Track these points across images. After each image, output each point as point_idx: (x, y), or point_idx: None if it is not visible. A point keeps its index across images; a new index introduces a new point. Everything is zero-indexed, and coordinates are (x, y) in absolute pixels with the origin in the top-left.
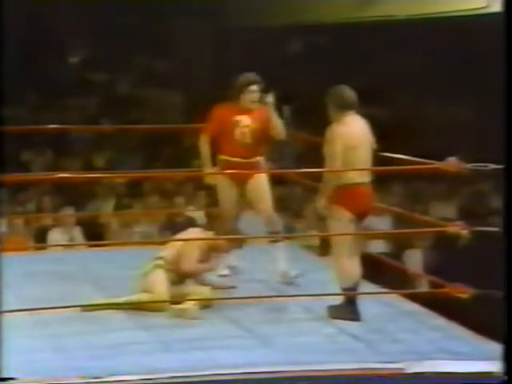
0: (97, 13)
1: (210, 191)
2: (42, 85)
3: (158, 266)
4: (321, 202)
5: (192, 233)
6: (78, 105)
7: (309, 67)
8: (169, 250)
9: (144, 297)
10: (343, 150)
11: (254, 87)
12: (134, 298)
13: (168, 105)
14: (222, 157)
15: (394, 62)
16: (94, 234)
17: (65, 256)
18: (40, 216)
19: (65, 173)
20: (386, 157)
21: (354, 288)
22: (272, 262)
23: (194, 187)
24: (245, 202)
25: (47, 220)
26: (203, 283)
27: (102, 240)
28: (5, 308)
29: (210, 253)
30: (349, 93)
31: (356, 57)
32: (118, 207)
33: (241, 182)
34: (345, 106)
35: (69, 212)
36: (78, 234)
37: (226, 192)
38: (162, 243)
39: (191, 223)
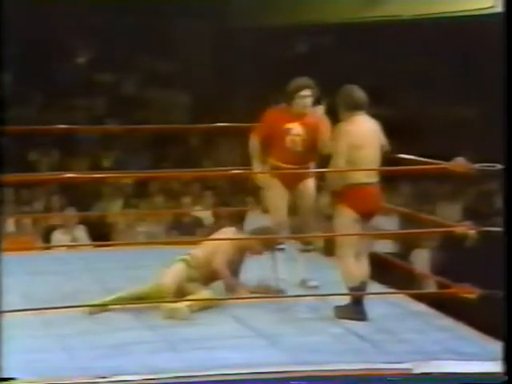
0: (103, 13)
1: (217, 191)
2: (49, 85)
3: (182, 260)
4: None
5: (226, 232)
6: (84, 105)
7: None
8: (200, 249)
9: (146, 288)
10: (348, 149)
11: (306, 92)
12: (136, 289)
13: (173, 105)
14: (272, 161)
15: (400, 62)
16: (101, 233)
17: (68, 256)
18: (43, 216)
19: (71, 173)
20: (394, 157)
21: (360, 288)
22: (293, 269)
23: (200, 187)
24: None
25: (54, 220)
26: (235, 286)
27: (109, 240)
28: (10, 308)
29: (244, 254)
30: (359, 93)
31: (361, 57)
32: (125, 207)
33: (291, 187)
34: (354, 106)
35: (71, 212)
36: (81, 233)
37: (276, 196)
38: (168, 243)
39: (198, 223)
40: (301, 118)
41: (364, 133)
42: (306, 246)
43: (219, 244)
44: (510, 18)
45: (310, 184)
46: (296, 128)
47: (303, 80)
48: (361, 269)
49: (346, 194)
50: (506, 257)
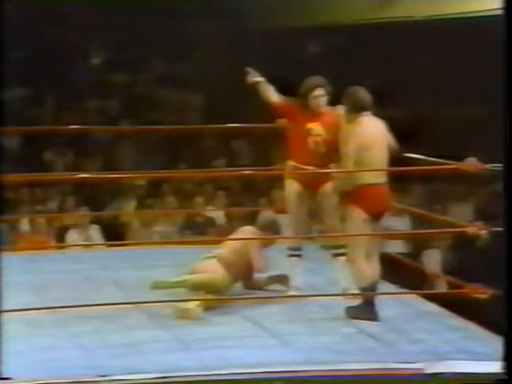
0: (117, 14)
1: (230, 191)
2: (64, 86)
3: (213, 258)
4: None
5: (244, 231)
6: (99, 106)
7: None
8: (226, 248)
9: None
10: (356, 150)
11: (320, 91)
12: (197, 276)
13: (187, 106)
14: (292, 163)
15: (411, 63)
16: (115, 233)
17: (83, 255)
18: (57, 215)
19: (85, 173)
20: (405, 157)
21: (371, 288)
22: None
23: (213, 187)
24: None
25: (68, 219)
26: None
27: (123, 240)
28: (25, 306)
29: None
30: (364, 94)
31: (373, 58)
32: (140, 207)
33: (312, 190)
34: (360, 107)
35: (84, 212)
36: (94, 233)
37: (296, 199)
38: (182, 243)
39: (210, 223)
40: (319, 117)
41: (372, 133)
42: (338, 250)
43: (246, 243)
44: (511, 18)
45: (331, 186)
46: (317, 128)
47: (316, 79)
48: (371, 269)
49: (355, 195)
50: (506, 257)
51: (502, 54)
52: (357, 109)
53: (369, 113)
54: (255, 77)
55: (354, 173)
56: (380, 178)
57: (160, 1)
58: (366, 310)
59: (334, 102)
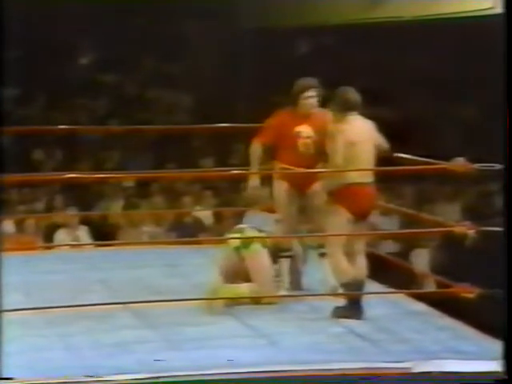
0: (107, 14)
1: (217, 191)
2: (53, 85)
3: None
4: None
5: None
6: (88, 105)
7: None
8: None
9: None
10: (344, 146)
11: (311, 92)
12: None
13: (177, 106)
14: (282, 165)
15: (401, 63)
16: (103, 233)
17: (71, 256)
18: (45, 216)
19: (74, 173)
20: (396, 157)
21: (356, 286)
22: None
23: (200, 187)
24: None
25: (57, 219)
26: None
27: (111, 240)
28: (13, 307)
29: None
30: (351, 94)
31: (363, 58)
32: (127, 207)
33: (302, 190)
34: (347, 108)
35: (72, 212)
36: (82, 233)
37: (286, 200)
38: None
39: (198, 223)
40: (308, 119)
41: (359, 132)
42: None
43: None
44: (511, 18)
45: (319, 186)
46: (306, 130)
47: (307, 81)
48: (355, 268)
49: (340, 194)
50: (506, 257)
51: (502, 54)
52: (344, 109)
53: (356, 113)
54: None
55: (341, 172)
56: (366, 178)
57: (152, 0)
58: (350, 308)
59: (325, 101)
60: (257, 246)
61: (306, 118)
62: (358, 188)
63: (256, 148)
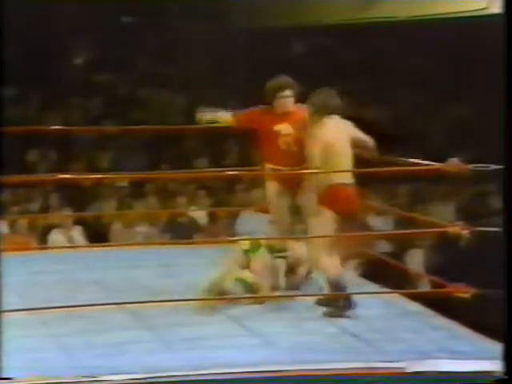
0: (100, 13)
1: (211, 191)
2: (46, 85)
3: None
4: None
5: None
6: (82, 105)
7: (313, 68)
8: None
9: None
10: (321, 151)
11: (287, 93)
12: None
13: (171, 106)
14: (270, 165)
15: (396, 63)
16: (98, 234)
17: (65, 256)
18: (39, 216)
19: (67, 174)
20: (388, 158)
21: (339, 282)
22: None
23: (195, 187)
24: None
25: (52, 220)
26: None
27: (107, 240)
28: (8, 308)
29: None
30: (329, 97)
31: (357, 58)
32: (121, 207)
33: (291, 189)
34: (325, 112)
35: (67, 213)
36: (77, 234)
37: (278, 201)
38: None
39: (193, 223)
40: (288, 116)
41: (336, 135)
42: None
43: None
44: (511, 18)
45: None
46: (285, 128)
47: (283, 80)
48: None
49: (322, 195)
50: (506, 257)
51: (498, 54)
52: (322, 111)
53: (334, 115)
54: (204, 116)
55: (321, 174)
56: (346, 179)
57: (145, 1)
58: (340, 307)
59: (305, 100)
60: (264, 251)
61: (284, 116)
62: (339, 189)
63: (228, 115)
